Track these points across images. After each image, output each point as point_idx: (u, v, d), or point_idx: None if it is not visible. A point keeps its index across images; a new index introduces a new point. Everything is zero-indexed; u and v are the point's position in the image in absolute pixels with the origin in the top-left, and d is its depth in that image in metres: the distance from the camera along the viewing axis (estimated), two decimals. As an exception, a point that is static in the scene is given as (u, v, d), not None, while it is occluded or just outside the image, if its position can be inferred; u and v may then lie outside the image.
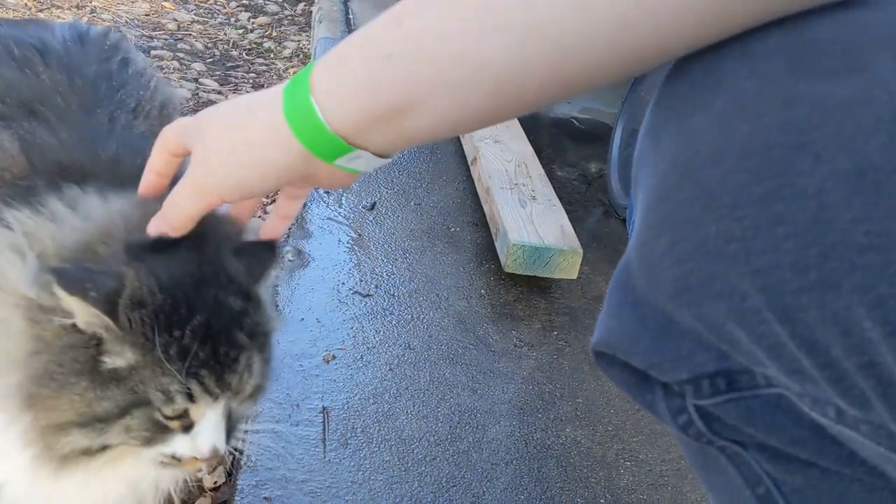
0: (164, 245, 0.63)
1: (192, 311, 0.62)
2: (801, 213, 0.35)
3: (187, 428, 0.65)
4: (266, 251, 0.69)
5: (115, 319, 0.59)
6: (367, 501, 1.03)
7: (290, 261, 1.48)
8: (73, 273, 0.60)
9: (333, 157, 0.51)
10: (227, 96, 2.42)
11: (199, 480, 1.06)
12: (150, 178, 0.65)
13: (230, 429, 0.68)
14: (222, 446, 0.66)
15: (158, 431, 0.64)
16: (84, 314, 0.60)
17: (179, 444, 0.65)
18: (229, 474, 1.07)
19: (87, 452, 0.64)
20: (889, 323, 0.34)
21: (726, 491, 0.49)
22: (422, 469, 1.10)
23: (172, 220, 0.60)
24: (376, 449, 1.11)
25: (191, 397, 0.62)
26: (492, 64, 0.43)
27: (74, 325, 0.61)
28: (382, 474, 1.08)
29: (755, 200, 0.36)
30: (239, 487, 1.00)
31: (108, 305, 0.59)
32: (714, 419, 0.45)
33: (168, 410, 0.62)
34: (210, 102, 2.34)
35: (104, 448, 0.65)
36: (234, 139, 0.54)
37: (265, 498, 1.00)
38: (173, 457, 0.66)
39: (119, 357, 0.61)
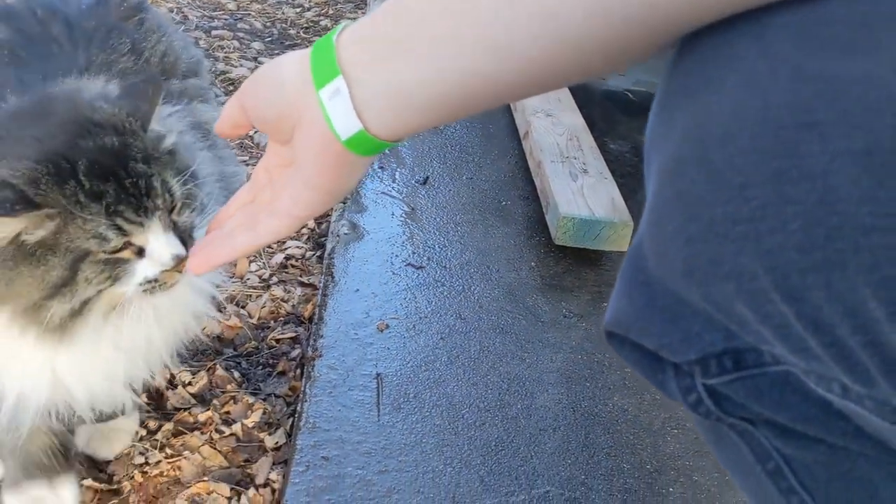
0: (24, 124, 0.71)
1: (75, 163, 0.68)
2: (809, 193, 0.35)
3: (141, 252, 0.72)
4: (150, 88, 0.75)
5: (14, 214, 0.66)
6: (419, 462, 1.07)
7: (344, 234, 1.53)
8: None
9: (323, 69, 0.52)
10: (284, 74, 2.48)
11: (262, 440, 1.13)
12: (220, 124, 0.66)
13: (183, 237, 0.75)
14: (182, 251, 0.73)
15: (118, 267, 0.71)
16: None
17: (144, 267, 0.73)
18: (289, 435, 1.13)
19: (77, 313, 0.72)
20: (893, 303, 0.34)
21: (739, 466, 0.50)
22: (471, 433, 1.14)
23: (221, 122, 0.64)
24: (427, 414, 1.16)
25: (122, 230, 0.70)
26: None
27: None
28: (434, 437, 1.12)
29: (764, 181, 0.37)
30: (298, 447, 1.06)
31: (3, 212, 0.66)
32: (723, 398, 0.46)
33: (109, 248, 0.70)
34: (269, 81, 2.40)
35: (87, 303, 0.72)
36: (266, 76, 0.58)
37: (323, 457, 1.05)
38: (149, 280, 0.73)
39: (38, 231, 0.68)
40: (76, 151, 0.69)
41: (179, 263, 0.73)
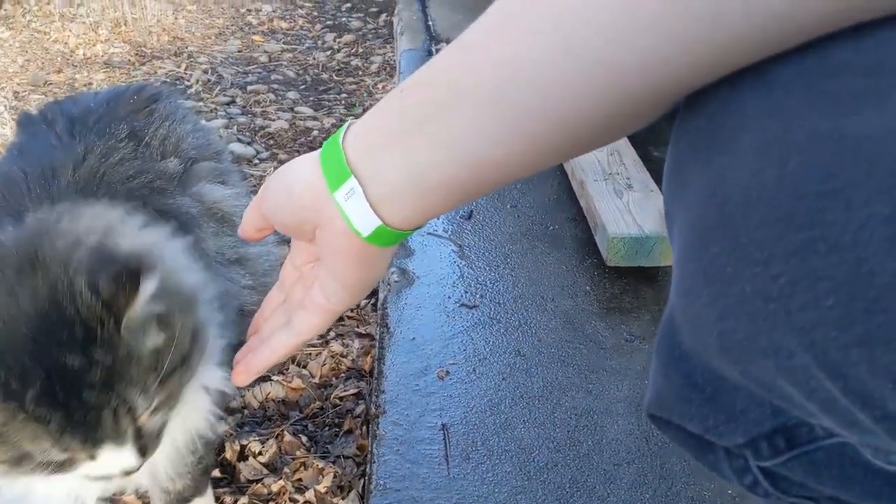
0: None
1: (26, 386, 0.63)
2: (839, 266, 0.33)
3: (92, 456, 0.67)
4: (128, 277, 0.66)
5: None
6: (493, 514, 1.06)
7: (395, 281, 1.53)
8: None
9: (334, 171, 0.52)
10: (321, 122, 2.51)
11: (335, 505, 1.13)
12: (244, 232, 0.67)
13: (144, 445, 0.70)
14: (134, 463, 0.69)
15: (67, 464, 0.67)
16: None
17: (93, 469, 0.68)
18: (362, 497, 1.13)
19: (38, 471, 0.68)
20: None
21: None
22: (544, 476, 1.13)
23: (244, 228, 0.64)
24: (497, 461, 1.15)
25: (67, 449, 0.65)
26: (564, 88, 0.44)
27: None
28: (506, 485, 1.11)
29: (788, 255, 0.35)
30: (371, 511, 1.06)
31: None
32: (781, 478, 0.44)
33: (53, 460, 0.66)
34: (307, 130, 2.44)
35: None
36: (278, 179, 0.58)
37: (397, 518, 1.05)
38: (97, 477, 0.70)
39: None
40: (32, 370, 0.64)
41: (130, 473, 0.70)
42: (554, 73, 0.42)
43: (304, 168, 0.55)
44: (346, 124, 0.53)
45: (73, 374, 0.64)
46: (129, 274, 0.66)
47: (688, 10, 0.38)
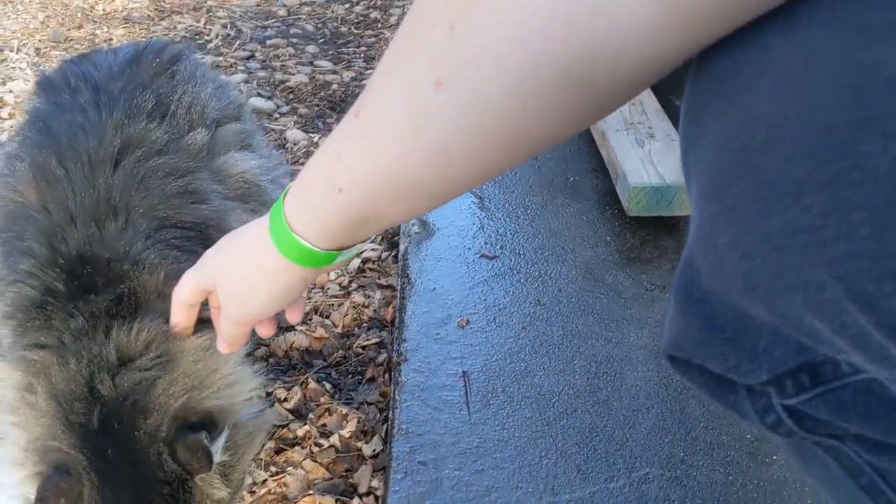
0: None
1: None
2: (874, 196, 0.33)
3: None
4: (206, 455, 0.82)
5: None
6: (514, 457, 1.08)
7: (415, 232, 1.54)
8: (45, 486, 0.78)
9: (332, 260, 0.64)
10: (341, 75, 2.50)
11: (359, 449, 1.16)
12: (177, 326, 0.86)
13: None
14: None
15: None
16: None
17: None
18: (385, 441, 1.16)
19: None
20: None
21: (829, 481, 0.47)
22: (563, 422, 1.14)
23: (230, 345, 0.80)
24: (517, 407, 1.16)
25: None
26: (424, 182, 0.52)
27: None
28: (526, 430, 1.13)
29: (821, 187, 0.34)
30: (394, 455, 1.08)
31: None
32: (805, 416, 0.43)
33: None
34: (326, 84, 2.43)
35: None
36: (252, 283, 0.69)
37: (420, 462, 1.07)
38: None
39: None
40: None
41: None
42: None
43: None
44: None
45: None
46: (202, 448, 0.81)
47: None
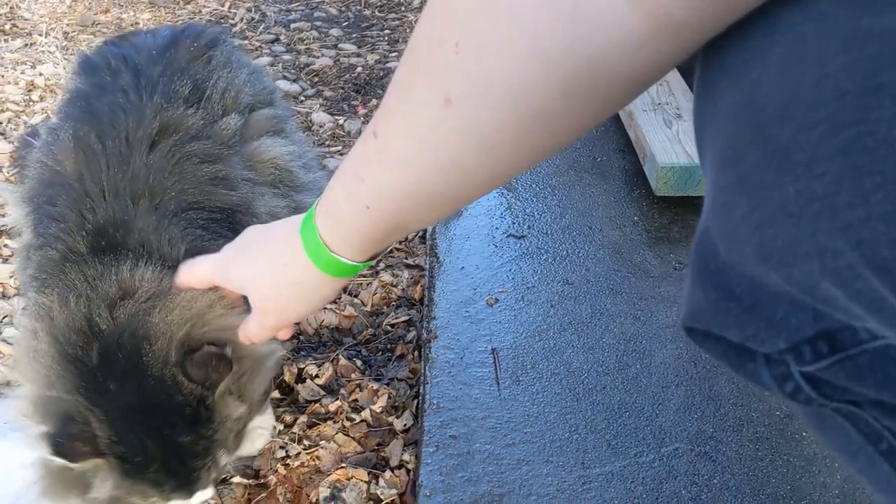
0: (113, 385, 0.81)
1: (151, 459, 0.81)
2: (887, 160, 0.33)
3: (187, 501, 0.87)
4: (223, 362, 0.84)
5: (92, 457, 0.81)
6: (544, 432, 1.09)
7: (444, 212, 1.55)
8: (56, 440, 0.79)
9: (366, 266, 0.69)
10: (365, 58, 2.51)
11: (391, 424, 1.18)
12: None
13: (217, 478, 0.90)
14: (211, 494, 0.90)
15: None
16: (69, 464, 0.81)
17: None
18: (416, 416, 1.18)
19: None
20: None
21: (847, 448, 0.47)
22: (593, 398, 1.15)
23: (254, 342, 0.84)
24: (547, 383, 1.18)
25: (167, 500, 0.85)
26: (443, 193, 0.56)
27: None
28: (556, 406, 1.14)
29: (833, 154, 0.34)
30: (426, 429, 1.10)
31: (85, 456, 0.80)
32: (823, 383, 0.43)
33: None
34: (351, 67, 2.44)
35: None
36: (291, 295, 0.72)
37: (451, 436, 1.09)
38: None
39: (102, 486, 0.83)
40: (152, 449, 0.81)
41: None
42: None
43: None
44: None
45: (184, 448, 0.83)
46: (214, 355, 0.83)
47: None
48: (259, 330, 0.80)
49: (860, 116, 0.34)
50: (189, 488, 0.85)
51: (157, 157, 0.96)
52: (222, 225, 0.98)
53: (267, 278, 0.74)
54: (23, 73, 2.30)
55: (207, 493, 0.89)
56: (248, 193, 1.04)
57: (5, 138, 1.96)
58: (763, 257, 0.39)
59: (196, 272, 0.84)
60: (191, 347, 0.84)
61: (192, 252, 0.91)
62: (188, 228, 0.95)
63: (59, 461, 0.80)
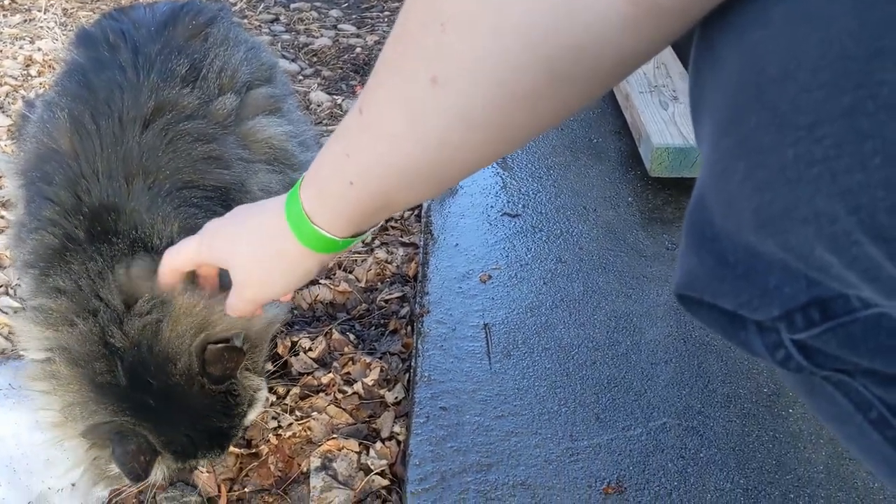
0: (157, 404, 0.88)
1: (198, 444, 0.91)
2: (888, 125, 0.33)
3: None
4: (234, 351, 0.89)
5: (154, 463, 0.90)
6: (533, 405, 1.11)
7: (440, 190, 1.55)
8: (125, 466, 0.86)
9: (348, 244, 0.69)
10: (365, 39, 2.50)
11: (382, 397, 1.19)
12: (163, 287, 0.89)
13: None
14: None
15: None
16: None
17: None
18: (407, 389, 1.19)
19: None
20: None
21: (837, 416, 0.47)
22: (583, 373, 1.16)
23: (238, 315, 0.85)
24: (538, 358, 1.19)
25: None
26: (429, 172, 0.56)
27: None
28: (546, 380, 1.15)
29: (835, 117, 0.34)
30: (417, 400, 1.11)
31: (150, 466, 0.89)
32: (814, 351, 0.43)
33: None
34: (350, 47, 2.44)
35: None
36: (272, 269, 0.73)
37: (441, 408, 1.10)
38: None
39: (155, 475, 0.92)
40: (199, 438, 0.91)
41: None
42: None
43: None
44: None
45: (222, 431, 0.93)
46: (224, 350, 0.88)
47: None
48: (239, 303, 0.81)
49: (863, 80, 0.33)
50: (222, 450, 0.96)
51: (150, 137, 0.97)
52: (216, 203, 0.99)
53: (250, 249, 0.74)
54: (21, 48, 2.30)
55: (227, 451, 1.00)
56: (241, 172, 1.05)
57: (3, 112, 1.97)
58: (760, 222, 0.39)
59: (182, 251, 0.84)
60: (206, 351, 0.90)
61: (185, 229, 0.92)
62: (182, 206, 0.96)
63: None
